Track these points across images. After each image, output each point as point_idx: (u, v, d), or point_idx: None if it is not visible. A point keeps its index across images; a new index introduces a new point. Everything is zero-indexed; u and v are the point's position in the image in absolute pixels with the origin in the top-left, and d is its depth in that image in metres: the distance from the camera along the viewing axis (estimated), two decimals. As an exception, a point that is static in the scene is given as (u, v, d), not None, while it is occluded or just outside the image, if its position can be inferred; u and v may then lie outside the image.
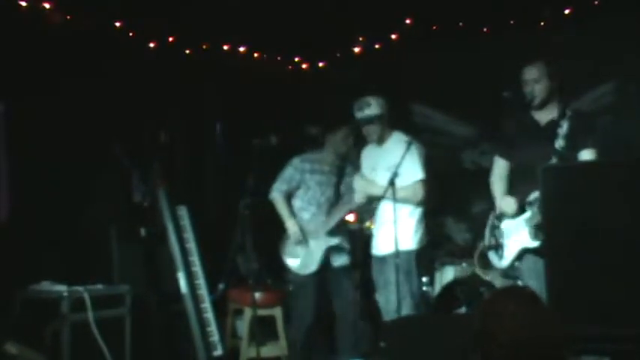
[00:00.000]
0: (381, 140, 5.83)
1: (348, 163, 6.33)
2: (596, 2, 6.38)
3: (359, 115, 5.75)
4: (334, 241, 6.20)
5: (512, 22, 6.74)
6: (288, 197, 6.34)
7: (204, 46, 7.39)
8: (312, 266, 6.14)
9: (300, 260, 6.19)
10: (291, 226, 6.23)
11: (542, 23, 6.63)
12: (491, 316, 2.54)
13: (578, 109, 5.17)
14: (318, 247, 6.15)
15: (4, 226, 5.73)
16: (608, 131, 5.71)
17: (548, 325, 2.51)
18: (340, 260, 6.26)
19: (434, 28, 7.15)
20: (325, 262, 6.19)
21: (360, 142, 6.19)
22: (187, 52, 7.30)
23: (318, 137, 6.77)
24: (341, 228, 6.29)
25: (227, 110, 7.34)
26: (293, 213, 6.29)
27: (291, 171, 6.30)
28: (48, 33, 6.15)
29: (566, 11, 6.54)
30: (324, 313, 6.28)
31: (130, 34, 6.79)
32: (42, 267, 5.69)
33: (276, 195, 6.31)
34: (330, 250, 6.21)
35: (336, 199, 6.28)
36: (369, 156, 5.97)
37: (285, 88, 7.82)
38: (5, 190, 5.83)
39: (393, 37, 7.47)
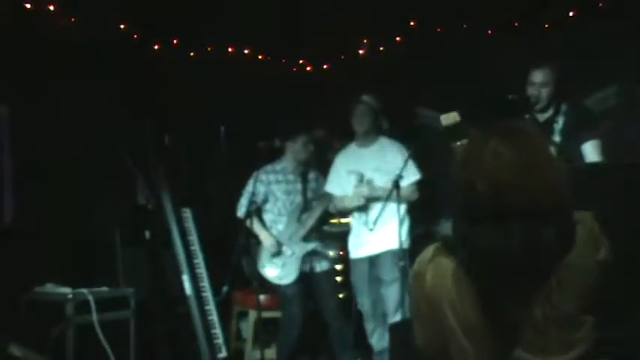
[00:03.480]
0: (366, 140, 5.93)
1: (310, 169, 6.36)
2: (600, 4, 6.38)
3: (363, 99, 5.88)
4: (310, 246, 6.21)
5: (516, 24, 6.74)
6: (257, 212, 6.33)
7: (208, 48, 7.40)
8: (292, 275, 6.13)
9: (278, 271, 6.18)
10: (265, 238, 6.22)
11: (546, 25, 6.63)
12: (469, 158, 2.13)
13: (574, 102, 5.16)
14: (295, 255, 6.16)
15: (9, 229, 5.75)
16: (611, 133, 5.69)
17: (541, 167, 2.08)
18: (322, 265, 6.29)
19: (438, 30, 7.15)
20: (309, 269, 6.22)
21: (321, 149, 6.30)
22: (192, 54, 7.31)
23: (323, 140, 6.78)
24: (315, 233, 6.32)
25: (231, 112, 7.34)
26: (265, 227, 6.29)
27: (256, 185, 6.26)
28: (52, 35, 6.16)
29: (570, 13, 6.54)
30: (310, 319, 6.31)
31: (135, 36, 6.80)
32: (46, 269, 5.69)
33: (245, 211, 6.26)
34: (311, 257, 6.23)
35: (305, 205, 6.29)
36: (349, 157, 6.04)
37: (289, 90, 7.82)
38: (10, 192, 5.85)
39: (397, 39, 7.48)
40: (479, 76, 6.74)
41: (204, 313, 6.33)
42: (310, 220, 6.23)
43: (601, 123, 5.30)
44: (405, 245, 5.77)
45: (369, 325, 5.95)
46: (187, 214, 6.59)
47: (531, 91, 4.99)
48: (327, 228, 6.54)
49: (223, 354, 6.33)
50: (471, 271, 2.07)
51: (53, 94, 6.05)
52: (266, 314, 6.28)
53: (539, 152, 2.13)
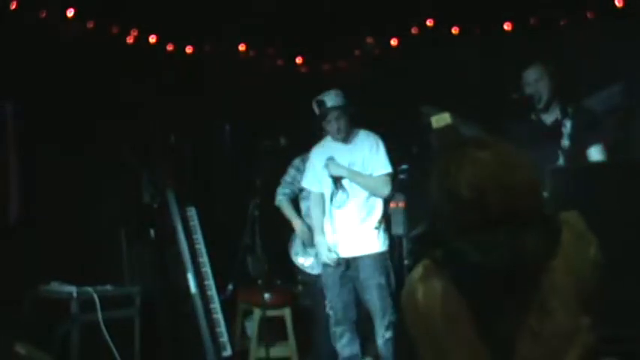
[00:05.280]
0: (346, 137, 5.81)
1: None
2: (605, 4, 6.37)
3: (330, 103, 5.71)
4: None
5: (520, 23, 6.74)
6: (295, 200, 6.37)
7: (214, 48, 7.41)
8: None
9: (312, 260, 6.22)
10: (298, 225, 6.27)
11: (550, 25, 6.62)
12: (448, 168, 2.14)
13: (580, 105, 5.19)
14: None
15: (15, 227, 5.77)
16: (615, 133, 5.69)
17: (518, 168, 2.12)
18: None
19: (440, 29, 7.14)
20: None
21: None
22: (197, 53, 7.31)
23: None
24: None
25: (236, 111, 7.34)
26: (300, 215, 6.33)
27: (294, 173, 6.35)
28: (58, 35, 6.18)
29: (575, 13, 6.52)
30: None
31: (136, 34, 6.81)
32: (51, 267, 5.71)
33: (281, 198, 6.37)
34: None
35: None
36: (326, 152, 5.89)
37: (294, 89, 7.82)
38: (16, 190, 5.86)
39: (400, 38, 7.47)
40: (481, 76, 6.74)
41: (208, 312, 6.34)
42: None
43: (605, 122, 5.32)
44: (384, 247, 5.75)
45: (337, 329, 5.77)
46: (192, 212, 6.60)
47: (529, 90, 5.05)
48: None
49: (228, 352, 6.34)
50: (461, 287, 2.05)
51: (59, 92, 6.06)
52: (271, 313, 6.29)
53: (514, 156, 2.16)
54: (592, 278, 2.11)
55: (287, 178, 6.42)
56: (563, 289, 2.06)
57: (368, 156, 5.75)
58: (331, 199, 5.76)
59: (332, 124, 5.74)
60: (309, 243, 6.21)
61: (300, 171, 6.29)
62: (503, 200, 2.06)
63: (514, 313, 2.04)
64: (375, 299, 5.65)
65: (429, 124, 5.44)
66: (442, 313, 2.05)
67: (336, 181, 5.73)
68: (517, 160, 2.14)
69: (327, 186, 5.80)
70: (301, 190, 6.36)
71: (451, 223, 2.16)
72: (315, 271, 6.23)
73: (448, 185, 2.12)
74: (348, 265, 5.76)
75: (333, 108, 5.71)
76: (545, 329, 2.03)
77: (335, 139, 5.84)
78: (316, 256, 6.18)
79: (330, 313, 5.79)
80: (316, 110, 5.79)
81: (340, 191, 5.73)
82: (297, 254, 6.34)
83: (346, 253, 5.75)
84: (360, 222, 5.70)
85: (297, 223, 6.33)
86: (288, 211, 6.39)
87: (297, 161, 6.43)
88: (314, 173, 5.94)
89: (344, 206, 5.71)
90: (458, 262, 2.09)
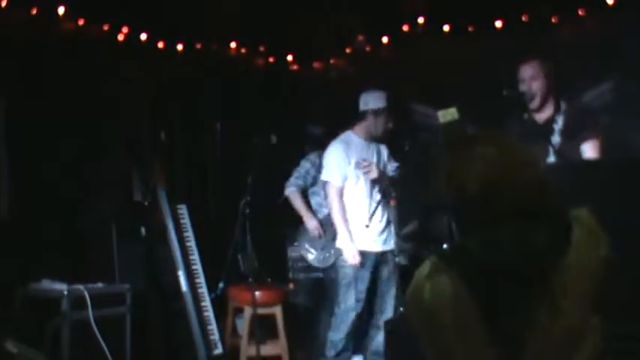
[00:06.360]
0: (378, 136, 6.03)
1: None
2: (596, 1, 6.39)
3: (384, 104, 5.90)
4: None
5: (511, 21, 6.75)
6: (304, 193, 6.42)
7: (205, 46, 7.40)
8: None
9: (317, 253, 6.25)
10: (309, 219, 6.33)
11: (541, 22, 6.63)
12: (457, 164, 2.12)
13: (573, 101, 5.19)
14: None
15: (5, 224, 5.75)
16: (607, 130, 5.71)
17: (526, 165, 2.10)
18: None
19: (431, 26, 7.15)
20: None
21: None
22: (188, 51, 7.31)
23: (322, 137, 6.80)
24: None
25: (227, 109, 7.34)
26: (311, 209, 6.37)
27: (308, 166, 6.41)
28: (49, 32, 6.16)
29: (567, 10, 6.54)
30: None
31: (126, 32, 6.79)
32: (42, 265, 5.69)
33: (293, 190, 6.42)
34: None
35: None
36: (357, 148, 5.98)
37: (286, 87, 7.83)
38: (6, 187, 5.84)
39: (391, 35, 7.48)
40: (475, 74, 6.74)
41: (199, 310, 6.33)
42: None
43: (595, 111, 5.34)
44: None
45: (355, 322, 5.89)
46: (183, 210, 6.59)
47: (522, 87, 5.02)
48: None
49: (219, 350, 6.33)
50: (470, 285, 2.01)
51: (51, 89, 6.04)
52: (262, 311, 6.28)
53: (521, 152, 2.14)
54: (602, 276, 2.09)
55: (300, 170, 6.47)
56: (574, 288, 2.03)
57: (387, 160, 6.08)
58: (372, 199, 5.89)
59: (387, 117, 5.95)
60: (319, 236, 6.26)
61: (315, 165, 6.35)
62: (511, 197, 2.04)
63: (524, 312, 2.00)
64: (392, 293, 5.83)
65: (423, 121, 5.49)
66: (450, 311, 2.02)
67: (375, 182, 5.88)
68: (525, 157, 2.13)
69: (357, 182, 5.90)
70: (312, 184, 6.40)
71: (459, 220, 2.15)
72: (320, 264, 6.27)
73: (455, 181, 2.10)
74: (374, 259, 5.88)
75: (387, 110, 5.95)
76: (556, 328, 2.00)
77: (360, 135, 6.00)
78: (322, 249, 6.22)
79: (359, 305, 5.86)
80: (381, 101, 5.93)
81: (375, 191, 5.89)
82: (303, 247, 6.38)
83: (379, 248, 5.92)
84: (382, 218, 5.90)
85: (308, 217, 6.39)
86: (299, 203, 6.45)
87: (312, 155, 6.49)
88: (339, 166, 5.95)
89: (378, 205, 5.85)
90: (466, 260, 2.05)
